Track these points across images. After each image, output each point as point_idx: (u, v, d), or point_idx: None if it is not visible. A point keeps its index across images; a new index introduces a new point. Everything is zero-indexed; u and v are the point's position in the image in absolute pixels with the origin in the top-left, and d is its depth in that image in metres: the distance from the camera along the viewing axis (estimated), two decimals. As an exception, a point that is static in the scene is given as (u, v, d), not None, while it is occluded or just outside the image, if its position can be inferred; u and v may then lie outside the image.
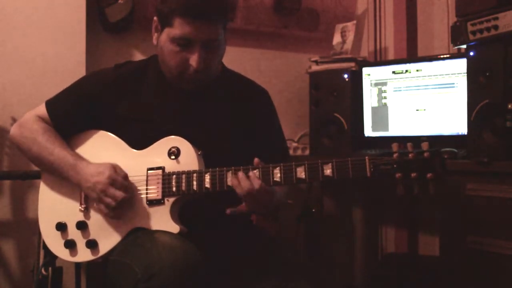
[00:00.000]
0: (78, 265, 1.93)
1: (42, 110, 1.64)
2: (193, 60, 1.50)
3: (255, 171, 1.44)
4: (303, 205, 2.77)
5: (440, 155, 1.35)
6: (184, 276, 1.29)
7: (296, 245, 2.71)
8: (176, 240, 1.38)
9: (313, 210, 2.79)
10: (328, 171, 1.40)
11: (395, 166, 1.36)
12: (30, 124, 1.61)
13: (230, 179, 1.44)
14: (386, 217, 3.00)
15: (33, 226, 1.97)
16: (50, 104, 1.64)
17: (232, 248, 1.56)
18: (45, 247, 1.63)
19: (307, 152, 2.83)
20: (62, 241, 1.57)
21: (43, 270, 1.77)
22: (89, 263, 2.19)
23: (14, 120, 2.18)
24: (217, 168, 1.47)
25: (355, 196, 2.98)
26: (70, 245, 1.56)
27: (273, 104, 1.77)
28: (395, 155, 1.37)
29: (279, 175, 1.43)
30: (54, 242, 1.59)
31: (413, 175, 1.35)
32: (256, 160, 1.45)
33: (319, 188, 2.88)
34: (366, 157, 1.37)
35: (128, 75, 1.63)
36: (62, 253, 1.58)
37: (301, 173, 1.41)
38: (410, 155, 1.36)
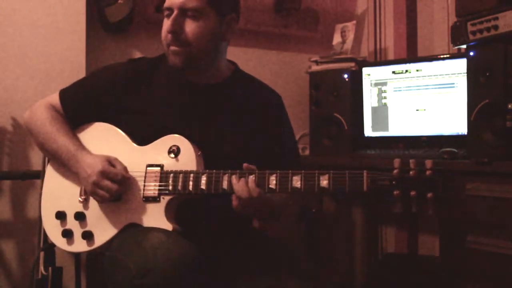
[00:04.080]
0: (78, 265, 1.93)
1: (55, 98, 1.67)
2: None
3: (251, 176, 1.43)
4: (303, 205, 2.77)
5: (444, 175, 1.30)
6: (179, 273, 1.29)
7: (296, 245, 2.71)
8: (171, 238, 1.38)
9: (313, 210, 2.79)
10: (324, 182, 1.38)
11: (393, 182, 1.32)
12: (40, 111, 1.64)
13: (234, 181, 1.43)
14: (386, 217, 3.00)
15: (33, 226, 1.97)
16: (63, 93, 1.67)
17: (230, 247, 1.56)
18: (50, 250, 1.66)
19: (307, 152, 2.83)
20: (60, 230, 1.58)
21: (43, 270, 1.77)
22: (89, 263, 2.20)
23: (14, 120, 2.19)
24: (214, 171, 1.47)
25: (355, 196, 2.98)
26: (67, 234, 1.57)
27: (285, 109, 1.76)
28: (395, 171, 1.33)
29: (274, 182, 1.42)
30: (52, 230, 1.60)
31: (412, 193, 1.30)
32: (244, 165, 1.44)
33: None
34: (365, 171, 1.34)
35: (140, 70, 1.65)
36: (59, 241, 1.59)
37: (296, 182, 1.40)
38: (411, 172, 1.32)
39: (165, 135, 1.55)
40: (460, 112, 2.26)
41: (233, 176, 1.44)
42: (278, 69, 2.96)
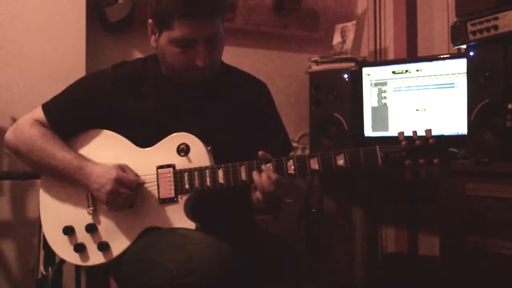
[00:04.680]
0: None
1: (38, 113, 1.59)
2: (199, 59, 1.48)
3: (268, 164, 1.44)
4: (303, 205, 2.77)
5: (444, 140, 1.40)
6: (221, 270, 1.30)
7: (296, 245, 2.71)
8: (207, 236, 1.38)
9: (313, 210, 2.79)
10: (340, 162, 1.42)
11: (404, 153, 1.40)
12: (27, 128, 1.57)
13: (256, 177, 1.44)
14: (386, 217, 3.00)
15: (33, 226, 1.97)
16: (47, 107, 1.60)
17: (238, 247, 1.55)
18: (50, 251, 1.60)
19: (307, 152, 2.83)
20: (71, 246, 1.54)
21: (43, 270, 1.77)
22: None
23: (14, 120, 2.18)
24: (230, 164, 1.47)
25: (355, 196, 2.98)
26: (80, 248, 1.53)
27: (272, 96, 1.77)
28: (403, 143, 1.42)
29: (293, 167, 1.43)
30: (62, 247, 1.56)
31: (421, 161, 1.40)
32: (260, 152, 1.45)
33: (319, 188, 2.88)
34: (377, 146, 1.41)
35: (127, 75, 1.61)
36: (72, 257, 1.55)
37: (314, 164, 1.43)
38: (417, 142, 1.41)
39: (167, 134, 1.53)
40: (460, 112, 2.26)
41: (254, 173, 1.44)
42: (278, 69, 2.96)
